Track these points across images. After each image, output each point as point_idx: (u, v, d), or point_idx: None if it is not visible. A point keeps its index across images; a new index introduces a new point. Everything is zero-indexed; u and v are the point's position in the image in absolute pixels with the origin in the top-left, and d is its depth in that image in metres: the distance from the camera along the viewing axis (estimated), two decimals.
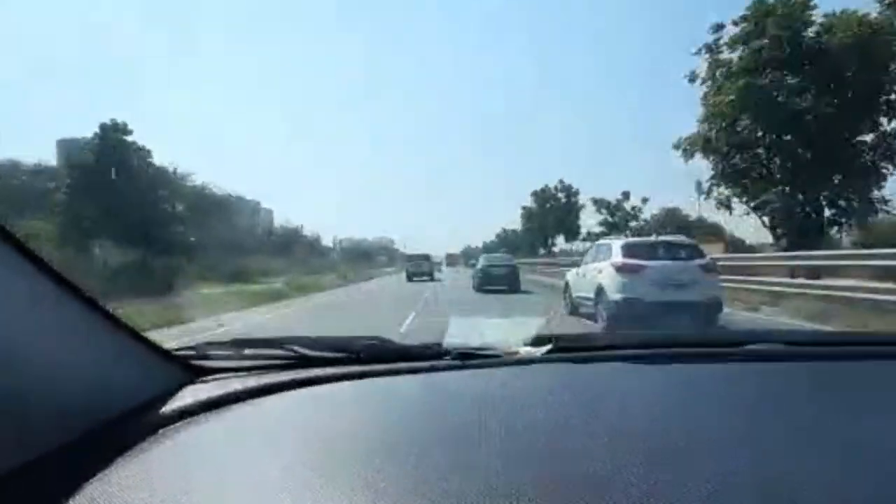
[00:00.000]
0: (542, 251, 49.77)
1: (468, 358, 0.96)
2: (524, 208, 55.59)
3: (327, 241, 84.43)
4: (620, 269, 9.46)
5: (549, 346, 0.98)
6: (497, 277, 20.80)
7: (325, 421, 0.79)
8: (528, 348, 0.98)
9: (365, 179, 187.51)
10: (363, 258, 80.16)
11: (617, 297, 9.30)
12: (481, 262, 23.15)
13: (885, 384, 0.93)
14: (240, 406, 0.82)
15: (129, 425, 0.74)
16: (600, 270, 10.06)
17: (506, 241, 69.95)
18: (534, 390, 0.88)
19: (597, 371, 0.95)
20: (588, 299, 10.54)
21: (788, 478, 0.59)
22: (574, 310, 11.71)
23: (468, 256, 74.20)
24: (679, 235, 10.45)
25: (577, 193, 50.36)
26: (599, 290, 9.86)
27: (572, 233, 49.32)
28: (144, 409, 0.79)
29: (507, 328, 1.17)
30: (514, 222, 63.52)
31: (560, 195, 50.96)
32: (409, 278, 33.43)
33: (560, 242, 51.64)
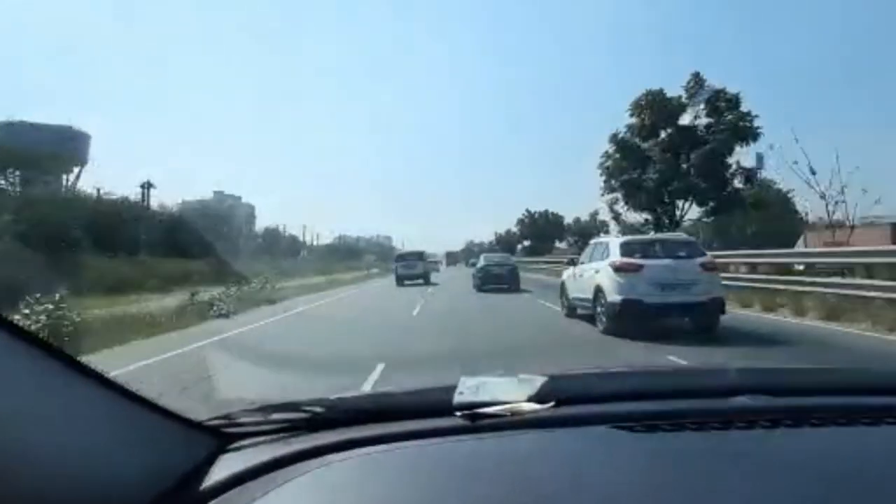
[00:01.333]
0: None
1: (476, 418, 1.01)
2: (519, 220, 58.57)
3: (325, 240, 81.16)
4: (619, 268, 9.12)
5: (552, 403, 1.03)
6: (497, 277, 21.12)
7: (349, 491, 0.85)
8: (533, 405, 1.03)
9: (367, 178, 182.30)
10: (349, 257, 72.22)
11: (616, 298, 8.97)
12: (481, 261, 23.46)
13: (875, 453, 0.96)
14: (272, 476, 0.85)
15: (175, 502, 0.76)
16: (598, 270, 9.74)
17: (505, 240, 69.87)
18: (534, 460, 0.93)
19: (591, 438, 0.99)
20: (586, 300, 10.21)
21: None
22: (571, 311, 11.40)
23: (470, 254, 72.70)
24: (678, 233, 10.05)
25: (561, 219, 55.91)
26: (598, 291, 9.53)
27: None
28: (184, 484, 0.81)
29: (512, 385, 1.16)
30: (513, 221, 64.88)
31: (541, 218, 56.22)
32: (399, 282, 27.97)
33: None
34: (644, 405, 1.08)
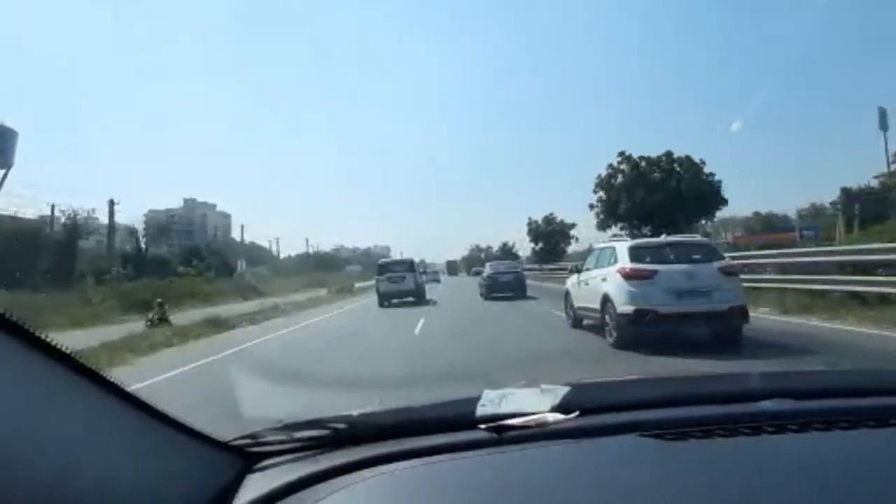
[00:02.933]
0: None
1: (501, 431, 0.99)
2: (528, 226, 56.32)
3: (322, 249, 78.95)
4: (629, 275, 8.22)
5: (576, 413, 1.02)
6: (504, 284, 21.75)
7: None
8: (557, 416, 1.02)
9: (365, 188, 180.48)
10: (325, 269, 61.54)
11: (627, 308, 8.07)
12: (488, 269, 23.77)
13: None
14: (300, 496, 0.85)
15: None
16: (605, 278, 8.83)
17: (509, 247, 68.10)
18: (561, 471, 0.92)
19: (618, 448, 0.97)
20: (593, 310, 9.30)
21: None
22: (577, 322, 10.49)
23: (473, 262, 69.90)
24: (693, 235, 9.13)
25: (572, 226, 52.44)
26: (605, 301, 8.62)
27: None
28: None
29: (536, 396, 1.06)
30: (521, 231, 63.82)
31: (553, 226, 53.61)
32: (383, 302, 21.18)
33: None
34: (669, 412, 1.07)
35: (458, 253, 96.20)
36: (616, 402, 1.13)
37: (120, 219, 33.70)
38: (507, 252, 65.64)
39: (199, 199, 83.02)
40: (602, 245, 10.39)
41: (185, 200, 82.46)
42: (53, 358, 0.65)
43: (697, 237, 9.08)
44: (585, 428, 1.00)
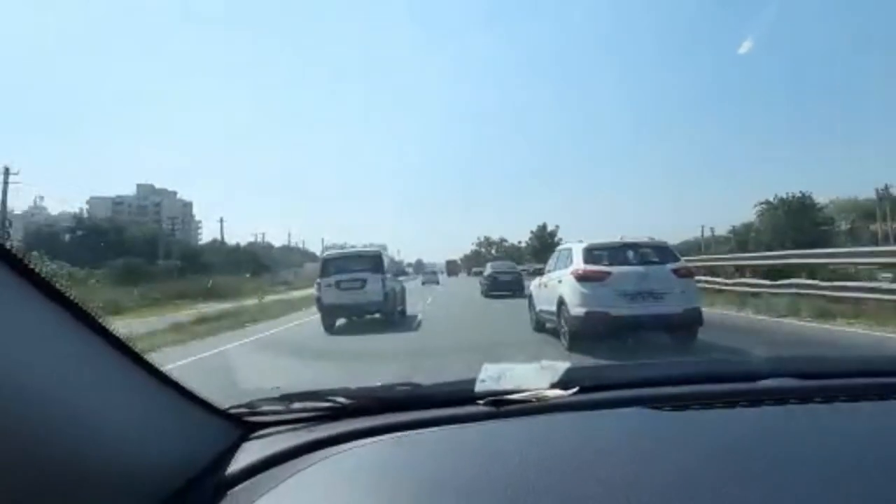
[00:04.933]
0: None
1: (501, 404, 0.99)
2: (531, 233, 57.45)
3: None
4: (582, 277, 8.07)
5: (575, 389, 1.02)
6: (503, 283, 22.83)
7: (374, 474, 0.84)
8: (557, 391, 1.02)
9: (366, 185, 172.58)
10: (263, 270, 46.31)
11: (579, 311, 7.91)
12: (488, 269, 25.33)
13: None
14: (296, 462, 0.85)
15: (197, 491, 0.76)
16: (560, 280, 8.68)
17: (510, 251, 67.15)
18: (562, 440, 0.92)
19: (618, 417, 0.98)
20: (551, 313, 9.15)
21: None
22: (539, 326, 10.32)
23: (474, 262, 66.89)
24: (650, 236, 8.99)
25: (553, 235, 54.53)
26: (560, 303, 8.46)
27: None
28: (210, 471, 0.81)
29: (535, 372, 1.06)
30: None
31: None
32: (328, 323, 12.77)
33: None
34: (670, 389, 1.06)
35: (461, 251, 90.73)
36: (615, 381, 1.14)
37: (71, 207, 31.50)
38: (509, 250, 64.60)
39: (157, 186, 77.77)
40: (563, 246, 10.23)
41: (139, 186, 76.55)
42: (57, 302, 0.63)
43: (655, 238, 8.92)
44: (585, 403, 1.01)
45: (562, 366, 1.07)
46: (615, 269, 8.01)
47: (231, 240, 59.56)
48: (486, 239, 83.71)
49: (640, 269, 8.03)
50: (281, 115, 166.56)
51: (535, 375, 1.05)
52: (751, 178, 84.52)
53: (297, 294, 27.42)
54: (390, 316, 13.23)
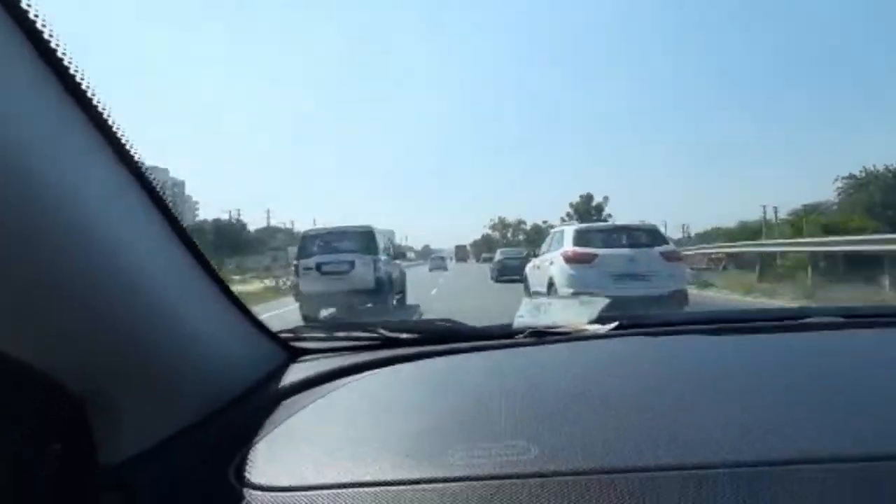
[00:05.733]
0: None
1: (540, 336, 1.01)
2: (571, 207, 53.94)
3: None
4: (570, 258, 8.21)
5: (615, 324, 1.03)
6: (512, 269, 22.63)
7: (428, 396, 0.84)
8: (596, 326, 1.02)
9: (370, 167, 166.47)
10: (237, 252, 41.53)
11: (567, 291, 8.05)
12: (498, 255, 26.20)
13: None
14: (341, 382, 0.88)
15: (252, 402, 0.80)
16: (552, 262, 8.85)
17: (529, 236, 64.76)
18: (609, 360, 0.93)
19: (666, 343, 1.00)
20: (542, 294, 9.31)
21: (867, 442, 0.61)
22: None
23: (483, 248, 64.50)
24: (642, 221, 9.08)
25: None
26: (550, 284, 8.63)
27: None
28: (262, 385, 0.85)
29: (574, 307, 1.15)
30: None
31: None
32: (310, 313, 10.13)
33: None
34: (715, 325, 1.07)
35: (472, 237, 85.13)
36: (653, 320, 1.16)
37: None
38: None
39: (148, 163, 78.69)
40: (556, 229, 10.35)
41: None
42: (158, 207, 0.65)
43: (646, 222, 9.01)
44: (623, 335, 1.02)
45: (601, 302, 1.09)
46: (603, 252, 8.12)
47: (252, 226, 54.93)
48: (501, 220, 75.23)
49: (627, 251, 8.13)
50: (273, 81, 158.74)
51: (574, 310, 1.07)
52: (824, 152, 76.50)
53: (251, 288, 18.46)
54: (385, 306, 10.71)
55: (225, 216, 54.78)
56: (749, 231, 31.79)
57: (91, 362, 0.58)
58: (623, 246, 8.31)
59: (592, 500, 0.55)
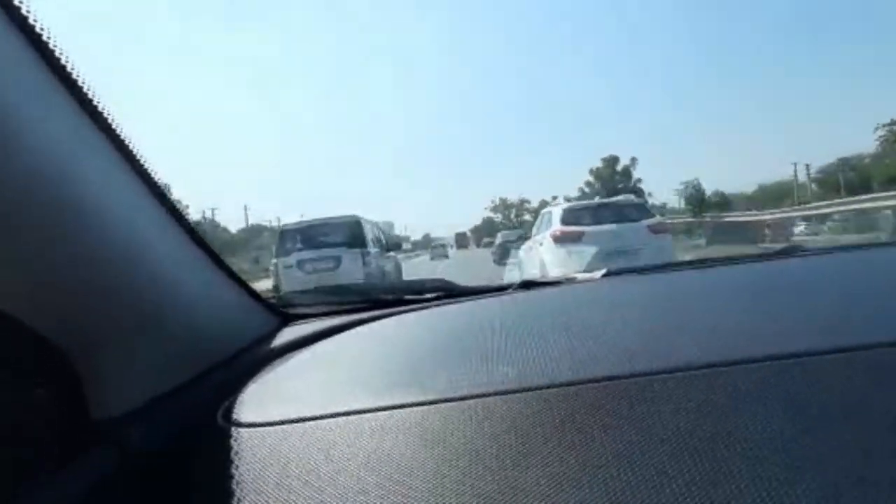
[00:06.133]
0: None
1: (531, 286, 1.06)
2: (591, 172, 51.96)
3: None
4: (558, 238, 8.30)
5: (603, 271, 1.10)
6: (512, 251, 23.57)
7: (413, 339, 0.86)
8: (585, 275, 1.09)
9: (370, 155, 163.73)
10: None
11: (556, 271, 8.16)
12: (499, 238, 27.21)
13: None
14: (331, 339, 0.90)
15: (243, 361, 0.81)
16: (542, 243, 8.94)
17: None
18: (597, 298, 0.97)
19: (655, 279, 1.07)
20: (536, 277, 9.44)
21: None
22: None
23: (484, 233, 63.18)
24: (628, 195, 9.19)
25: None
26: (542, 265, 8.72)
27: None
28: (254, 347, 0.87)
29: (564, 258, 1.31)
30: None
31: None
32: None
33: None
34: (695, 271, 1.14)
35: (472, 224, 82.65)
36: (641, 267, 1.23)
37: None
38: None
39: None
40: (545, 210, 10.46)
41: None
42: (146, 182, 0.67)
43: (632, 197, 9.11)
44: (612, 282, 1.09)
45: (590, 250, 1.24)
46: (590, 229, 8.22)
47: (233, 225, 51.97)
48: (503, 201, 72.19)
49: (614, 227, 8.23)
50: (254, 64, 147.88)
51: (562, 263, 1.22)
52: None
53: None
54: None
55: (210, 218, 50.19)
56: (772, 194, 27.29)
57: (82, 320, 0.60)
58: (611, 221, 8.41)
59: (581, 407, 0.54)
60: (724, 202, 33.83)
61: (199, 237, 0.78)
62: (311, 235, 9.90)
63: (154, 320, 0.67)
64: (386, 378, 0.68)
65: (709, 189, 35.98)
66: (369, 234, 10.23)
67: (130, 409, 0.64)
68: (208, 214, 51.20)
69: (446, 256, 39.31)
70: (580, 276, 1.09)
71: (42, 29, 0.52)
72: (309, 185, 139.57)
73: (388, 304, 1.07)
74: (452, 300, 1.05)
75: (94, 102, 0.58)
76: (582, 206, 8.88)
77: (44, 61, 0.53)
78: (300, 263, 9.46)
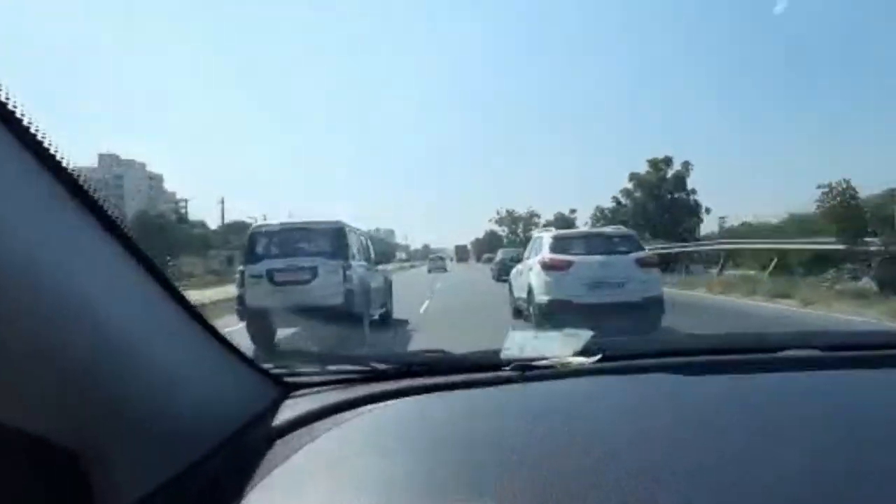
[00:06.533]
0: None
1: (525, 370, 1.04)
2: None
3: None
4: (547, 266, 8.38)
5: (598, 357, 1.07)
6: (511, 269, 23.40)
7: (409, 429, 0.90)
8: (580, 359, 1.06)
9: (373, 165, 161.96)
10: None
11: (543, 298, 8.23)
12: (499, 255, 27.60)
13: None
14: (335, 418, 0.89)
15: (243, 443, 0.80)
16: (531, 268, 9.04)
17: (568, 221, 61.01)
18: (586, 401, 0.96)
19: (642, 382, 1.03)
20: (523, 300, 9.48)
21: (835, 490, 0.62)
22: (517, 313, 10.64)
23: (485, 247, 62.49)
24: (618, 226, 9.24)
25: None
26: (529, 291, 8.81)
27: None
28: (253, 425, 0.85)
29: (559, 340, 1.17)
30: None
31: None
32: (261, 342, 7.77)
33: None
34: (694, 359, 1.10)
35: (475, 236, 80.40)
36: (638, 350, 1.19)
37: None
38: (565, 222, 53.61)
39: (123, 157, 66.75)
40: (536, 235, 10.54)
41: (101, 157, 65.02)
42: (120, 242, 0.63)
43: (622, 228, 9.17)
44: (607, 369, 1.05)
45: (586, 334, 1.11)
46: (578, 259, 8.29)
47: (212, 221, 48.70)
48: (510, 213, 65.34)
49: (602, 258, 8.30)
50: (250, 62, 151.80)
51: (559, 343, 1.11)
52: None
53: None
54: (357, 330, 8.02)
55: (197, 213, 47.31)
56: (800, 226, 18.45)
57: (77, 418, 0.58)
58: (600, 252, 8.47)
59: None
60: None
61: (185, 300, 0.74)
62: (285, 240, 8.49)
63: (148, 406, 0.65)
64: (382, 497, 0.68)
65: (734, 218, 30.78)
66: (354, 245, 8.88)
67: (134, 501, 0.63)
68: (181, 206, 46.30)
69: (444, 270, 38.40)
70: (575, 360, 1.06)
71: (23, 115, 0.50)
72: (309, 186, 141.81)
73: (385, 376, 1.08)
74: (448, 378, 1.05)
75: (74, 176, 0.55)
76: (571, 235, 8.97)
77: (22, 145, 0.51)
78: (269, 273, 8.02)
